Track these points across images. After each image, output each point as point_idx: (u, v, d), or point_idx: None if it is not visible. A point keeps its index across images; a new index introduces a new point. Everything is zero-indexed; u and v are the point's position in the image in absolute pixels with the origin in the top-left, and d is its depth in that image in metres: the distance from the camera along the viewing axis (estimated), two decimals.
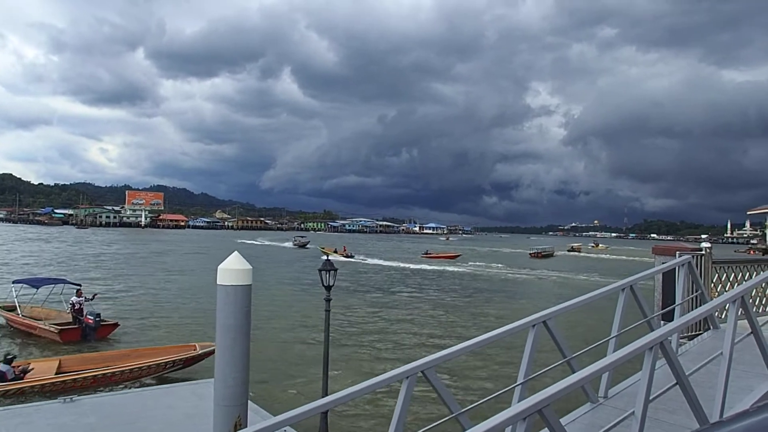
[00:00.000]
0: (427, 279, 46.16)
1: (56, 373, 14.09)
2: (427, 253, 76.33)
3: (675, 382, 4.37)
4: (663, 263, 8.11)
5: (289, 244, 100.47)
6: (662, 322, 7.37)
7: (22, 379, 13.58)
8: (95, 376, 13.91)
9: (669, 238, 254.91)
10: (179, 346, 16.30)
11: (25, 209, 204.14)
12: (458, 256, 74.58)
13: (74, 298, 20.15)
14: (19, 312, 20.57)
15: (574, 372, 4.83)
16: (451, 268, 57.33)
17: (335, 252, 66.41)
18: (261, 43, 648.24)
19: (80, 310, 19.76)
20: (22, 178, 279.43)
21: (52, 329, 18.91)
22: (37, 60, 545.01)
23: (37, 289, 21.39)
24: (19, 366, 14.02)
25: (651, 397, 4.15)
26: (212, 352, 15.35)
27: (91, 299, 20.74)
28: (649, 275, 7.43)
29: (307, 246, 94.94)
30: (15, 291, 21.35)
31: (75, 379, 13.70)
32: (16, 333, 20.17)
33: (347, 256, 64.65)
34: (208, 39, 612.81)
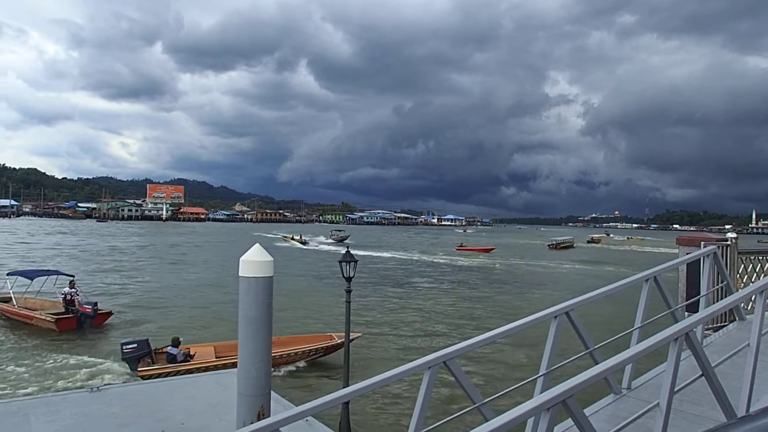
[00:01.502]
0: (445, 270, 46.11)
1: (215, 357, 14.93)
2: (461, 246, 76.60)
3: (700, 373, 4.31)
4: (687, 254, 7.98)
5: (322, 239, 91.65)
6: (686, 313, 7.27)
7: (189, 361, 14.43)
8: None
9: (692, 228, 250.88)
10: (317, 336, 17.25)
11: (49, 203, 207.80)
12: (492, 249, 74.42)
13: (66, 289, 20.76)
14: (15, 303, 21.15)
15: (597, 363, 4.79)
16: (465, 260, 57.20)
17: (292, 239, 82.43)
18: (277, 36, 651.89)
19: (72, 300, 20.39)
20: (47, 173, 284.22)
21: (48, 318, 19.50)
22: (58, 56, 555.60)
23: (32, 280, 21.96)
24: (182, 350, 14.95)
25: (676, 389, 4.11)
26: (351, 341, 16.20)
27: (74, 291, 20.88)
28: (673, 266, 7.32)
29: (346, 241, 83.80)
30: (10, 283, 21.96)
31: (234, 362, 14.18)
32: (14, 323, 20.67)
33: (303, 243, 78.31)
34: (224, 32, 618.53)
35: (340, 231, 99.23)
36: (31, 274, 22.59)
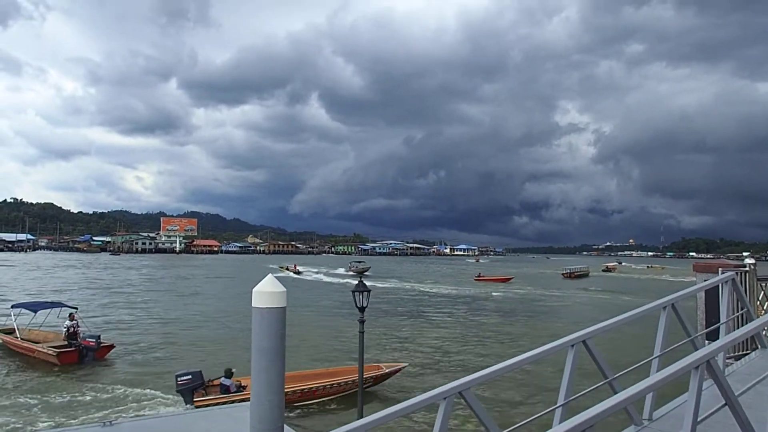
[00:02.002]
0: (459, 301, 45.72)
1: None
2: (479, 276, 75.73)
3: (724, 403, 4.19)
4: (705, 280, 7.86)
5: (341, 270, 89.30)
6: (707, 341, 7.13)
7: (242, 392, 14.36)
8: (303, 390, 14.86)
9: (709, 256, 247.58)
10: (365, 366, 17.00)
11: (65, 237, 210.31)
12: (511, 279, 73.74)
13: (68, 323, 20.73)
14: (18, 335, 21.16)
15: (616, 393, 4.68)
16: (470, 291, 56.74)
17: (287, 269, 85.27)
18: (288, 70, 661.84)
19: (74, 333, 20.37)
20: (63, 207, 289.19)
21: (50, 352, 19.37)
22: (76, 93, 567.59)
23: (35, 312, 22.14)
24: (234, 381, 14.95)
25: (699, 419, 3.99)
26: (396, 372, 16.44)
27: (75, 324, 20.83)
28: (691, 293, 7.20)
29: (367, 273, 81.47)
30: (14, 315, 22.05)
31: (286, 392, 14.27)
32: (16, 356, 20.62)
33: (297, 273, 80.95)
34: (237, 67, 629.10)
35: (359, 263, 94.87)
36: (34, 307, 22.79)
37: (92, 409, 14.49)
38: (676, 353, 5.54)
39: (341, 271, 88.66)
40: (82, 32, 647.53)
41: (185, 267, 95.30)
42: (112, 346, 20.64)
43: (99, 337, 20.25)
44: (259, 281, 6.46)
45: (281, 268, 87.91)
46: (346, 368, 17.22)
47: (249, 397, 13.77)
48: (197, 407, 13.81)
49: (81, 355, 19.62)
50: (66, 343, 20.20)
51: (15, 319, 21.95)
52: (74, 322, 20.76)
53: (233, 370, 15.14)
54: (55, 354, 19.20)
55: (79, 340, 20.17)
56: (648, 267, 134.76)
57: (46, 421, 13.57)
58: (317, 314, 33.79)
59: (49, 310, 22.69)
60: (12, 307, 23.22)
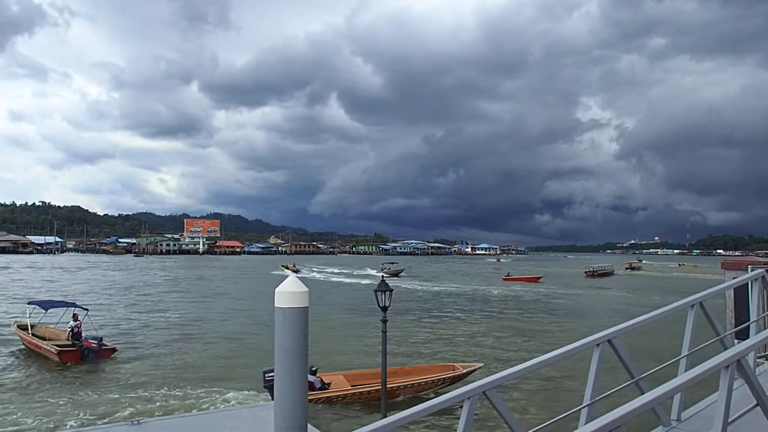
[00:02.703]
0: (483, 300, 45.49)
1: (351, 386, 15.28)
2: (507, 276, 74.47)
3: (755, 403, 4.11)
4: (734, 278, 7.70)
5: (372, 272, 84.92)
6: (736, 340, 6.99)
7: (327, 389, 14.85)
8: (393, 388, 14.84)
9: (737, 253, 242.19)
10: (440, 366, 17.49)
11: (91, 239, 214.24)
12: (540, 278, 72.41)
13: (72, 323, 21.30)
14: (29, 331, 21.90)
15: (643, 393, 4.62)
16: (499, 291, 56.39)
17: (287, 267, 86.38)
18: (308, 71, 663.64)
19: (78, 333, 20.86)
20: (89, 210, 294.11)
21: (52, 350, 19.96)
22: (100, 97, 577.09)
23: (46, 310, 22.93)
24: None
25: (729, 420, 3.92)
26: (472, 372, 16.45)
27: (78, 324, 21.33)
28: (719, 291, 7.05)
29: (401, 275, 79.80)
30: (29, 311, 22.95)
31: (369, 391, 14.91)
32: (28, 351, 21.45)
33: (296, 271, 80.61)
34: (257, 69, 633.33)
35: (392, 264, 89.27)
36: (46, 305, 23.55)
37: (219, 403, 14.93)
38: (705, 353, 5.44)
39: (372, 272, 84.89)
40: (106, 38, 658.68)
41: (205, 268, 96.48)
42: (114, 349, 21.06)
43: (101, 339, 20.66)
44: (282, 281, 6.52)
45: (282, 266, 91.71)
46: (432, 366, 17.67)
47: (333, 395, 14.22)
48: None
49: (83, 355, 20.09)
50: (69, 342, 20.77)
51: (29, 315, 22.89)
52: (78, 322, 21.34)
53: (315, 368, 15.39)
54: (56, 352, 19.79)
55: (81, 340, 20.68)
56: (680, 265, 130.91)
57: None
58: (337, 313, 33.92)
59: (64, 309, 23.29)
60: (27, 303, 24.20)
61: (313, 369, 15.26)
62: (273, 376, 14.26)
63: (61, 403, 15.05)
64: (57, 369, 19.09)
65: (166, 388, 16.33)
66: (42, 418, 13.68)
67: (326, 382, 15.28)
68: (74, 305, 23.66)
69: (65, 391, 16.41)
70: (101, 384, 17.22)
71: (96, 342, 20.34)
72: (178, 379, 17.61)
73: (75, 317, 21.63)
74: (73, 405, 14.86)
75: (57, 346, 20.26)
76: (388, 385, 15.11)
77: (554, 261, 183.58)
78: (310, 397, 14.00)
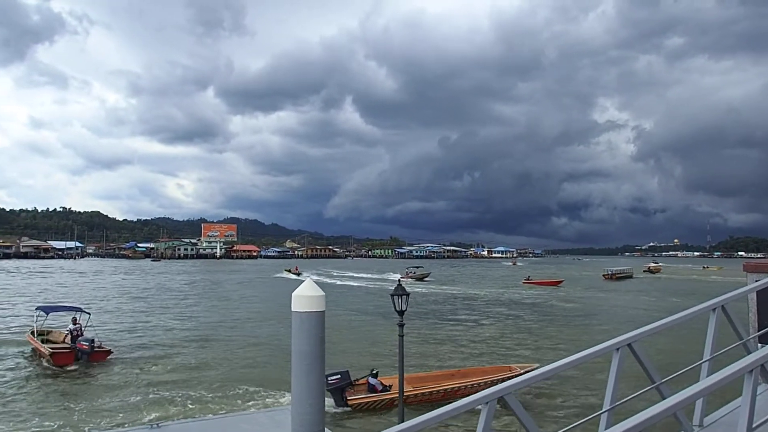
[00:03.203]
0: (496, 303, 45.22)
1: (411, 387, 15.40)
2: (527, 279, 73.15)
3: None
4: (756, 281, 7.55)
5: (396, 276, 74.54)
6: (759, 344, 6.85)
7: (388, 391, 15.03)
8: (446, 390, 15.47)
9: (759, 255, 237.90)
10: (496, 367, 17.76)
11: (111, 244, 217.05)
12: (561, 282, 70.77)
13: (70, 326, 21.79)
14: (35, 335, 22.49)
15: (664, 398, 4.54)
16: (519, 294, 56.00)
17: (289, 271, 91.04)
18: (322, 75, 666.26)
19: (77, 336, 21.22)
20: (108, 215, 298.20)
21: (47, 352, 20.34)
22: (118, 104, 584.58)
23: (47, 314, 23.76)
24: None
25: (753, 425, 3.84)
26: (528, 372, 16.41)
27: (77, 327, 21.98)
28: (742, 294, 6.91)
29: (427, 279, 78.19)
30: (35, 315, 23.77)
31: (431, 392, 15.32)
32: (36, 354, 21.92)
33: (297, 274, 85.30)
34: (272, 74, 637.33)
35: (417, 268, 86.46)
36: (49, 310, 24.36)
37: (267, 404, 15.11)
38: (727, 357, 5.34)
39: (396, 276, 76.40)
40: (123, 45, 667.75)
41: (217, 272, 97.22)
42: (109, 352, 21.35)
43: (93, 341, 20.88)
44: (298, 286, 6.55)
45: (286, 270, 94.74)
46: (489, 367, 17.86)
47: (395, 397, 14.21)
48: (352, 406, 14.61)
49: (77, 358, 20.38)
50: (65, 345, 21.17)
51: (35, 320, 23.64)
52: (77, 325, 21.80)
53: (376, 371, 15.66)
54: (49, 354, 20.21)
55: (82, 340, 20.98)
56: (704, 268, 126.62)
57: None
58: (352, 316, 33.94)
59: (63, 313, 24.37)
60: (36, 308, 24.85)
61: (374, 372, 15.50)
62: (336, 380, 14.70)
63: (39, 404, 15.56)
64: (52, 371, 19.49)
65: (154, 389, 16.88)
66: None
67: (386, 384, 15.42)
68: (78, 309, 24.38)
69: (49, 390, 16.99)
70: (84, 387, 17.66)
71: (87, 344, 20.58)
72: (162, 382, 18.00)
73: (74, 320, 22.17)
74: (59, 405, 15.35)
75: (52, 348, 20.68)
76: (446, 387, 15.60)
77: (570, 264, 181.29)
78: (372, 399, 14.69)
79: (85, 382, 18.28)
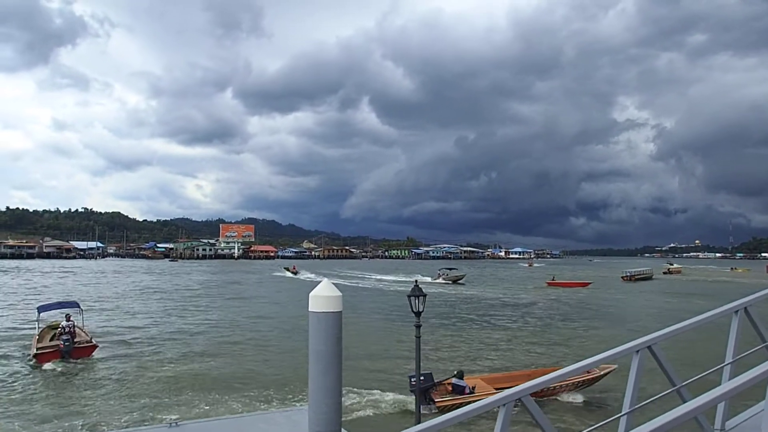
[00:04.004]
0: (516, 306, 44.98)
1: (494, 389, 15.26)
2: (552, 281, 70.99)
3: None
4: None
5: (427, 279, 75.38)
6: None
7: (473, 393, 14.99)
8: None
9: None
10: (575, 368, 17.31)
11: (131, 244, 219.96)
12: (589, 283, 67.75)
13: (64, 323, 21.97)
14: (37, 334, 23.13)
15: (685, 401, 4.48)
16: (536, 296, 55.64)
17: (287, 269, 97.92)
18: (339, 76, 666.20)
19: (71, 332, 21.45)
20: (129, 216, 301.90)
21: (33, 350, 20.83)
22: (138, 106, 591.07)
23: (39, 312, 24.41)
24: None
25: None
26: (608, 374, 16.21)
27: (71, 324, 22.17)
28: (765, 296, 6.78)
29: (461, 282, 73.14)
30: (36, 314, 24.47)
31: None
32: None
33: (294, 273, 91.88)
34: (290, 75, 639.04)
35: (450, 269, 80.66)
36: (44, 308, 25.08)
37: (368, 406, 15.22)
38: (750, 360, 5.25)
39: (427, 279, 76.10)
40: (144, 47, 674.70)
41: (231, 273, 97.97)
42: (94, 347, 21.72)
43: (69, 339, 21.07)
44: (315, 286, 6.58)
45: (284, 269, 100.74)
46: (558, 368, 17.51)
47: (477, 400, 13.98)
48: (439, 407, 14.45)
49: (62, 354, 20.68)
50: (51, 343, 21.53)
51: (36, 318, 24.35)
52: (70, 322, 22.03)
53: (461, 372, 15.63)
54: (34, 353, 20.66)
55: (73, 339, 21.36)
56: (732, 269, 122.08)
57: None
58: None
59: (61, 310, 25.09)
60: (37, 308, 25.51)
61: (459, 373, 15.44)
62: (420, 381, 14.72)
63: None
64: (39, 369, 19.87)
65: (128, 387, 17.31)
66: None
67: (473, 386, 15.42)
68: (74, 305, 25.37)
69: (30, 389, 17.35)
70: (63, 384, 18.09)
71: (63, 342, 20.86)
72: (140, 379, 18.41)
73: (67, 317, 22.46)
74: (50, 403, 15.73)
75: (39, 346, 21.16)
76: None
77: (585, 265, 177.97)
78: (460, 401, 14.39)
79: (66, 380, 18.72)
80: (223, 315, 35.75)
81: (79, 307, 25.52)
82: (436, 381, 15.27)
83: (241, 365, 20.66)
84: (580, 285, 67.00)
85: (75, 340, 21.42)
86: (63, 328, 21.73)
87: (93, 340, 22.14)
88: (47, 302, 29.50)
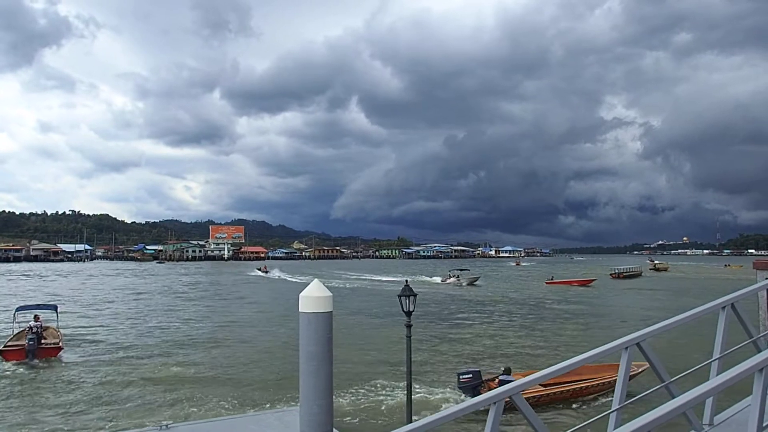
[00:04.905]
0: (501, 303, 45.13)
1: (540, 386, 15.21)
2: (550, 280, 69.05)
3: None
4: (766, 278, 7.50)
5: (437, 279, 73.52)
6: None
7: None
8: (574, 389, 15.34)
9: None
10: (609, 365, 16.91)
11: (120, 247, 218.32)
12: (593, 281, 66.76)
13: (32, 323, 22.18)
14: (12, 334, 23.24)
15: (674, 397, 4.52)
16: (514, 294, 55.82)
17: (258, 270, 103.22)
18: (328, 76, 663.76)
19: (38, 333, 21.69)
20: (117, 218, 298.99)
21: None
22: (125, 107, 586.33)
23: (16, 314, 24.88)
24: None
25: (764, 424, 3.82)
26: (642, 372, 15.75)
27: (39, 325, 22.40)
28: (751, 292, 6.86)
29: (477, 283, 67.65)
30: (13, 316, 24.92)
31: (562, 391, 15.16)
32: None
33: (265, 272, 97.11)
34: (277, 75, 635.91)
35: (462, 270, 74.27)
36: (22, 310, 25.59)
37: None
38: (737, 355, 5.31)
39: (437, 279, 73.62)
40: (130, 48, 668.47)
41: (214, 275, 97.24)
42: (59, 348, 21.98)
43: (33, 340, 21.24)
44: (307, 286, 6.56)
45: (257, 269, 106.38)
46: (601, 365, 16.90)
47: (530, 396, 13.91)
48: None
49: (26, 354, 20.93)
50: (18, 343, 21.80)
51: (14, 319, 24.59)
52: (39, 323, 22.21)
53: (508, 368, 15.48)
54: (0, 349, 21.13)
55: (39, 339, 21.55)
56: (726, 266, 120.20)
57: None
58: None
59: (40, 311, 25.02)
60: (15, 310, 25.87)
61: (507, 369, 15.32)
62: (468, 378, 14.71)
63: None
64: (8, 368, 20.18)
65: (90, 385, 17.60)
66: None
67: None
68: (51, 307, 25.89)
69: None
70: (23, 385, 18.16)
71: (28, 342, 21.10)
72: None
73: (36, 318, 22.62)
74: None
75: (6, 345, 21.59)
76: (574, 386, 15.20)
77: (567, 263, 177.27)
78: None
79: (28, 380, 18.90)
80: (195, 314, 37.01)
81: (56, 309, 25.94)
82: (484, 379, 15.44)
83: (210, 364, 21.10)
84: (582, 283, 65.47)
85: (42, 340, 21.69)
86: (30, 328, 21.94)
87: (61, 343, 22.40)
88: (25, 304, 30.06)
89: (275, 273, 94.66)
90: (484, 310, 39.90)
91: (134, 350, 23.66)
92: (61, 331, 24.47)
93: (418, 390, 16.13)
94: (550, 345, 25.18)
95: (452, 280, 70.10)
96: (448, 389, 16.40)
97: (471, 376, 15.18)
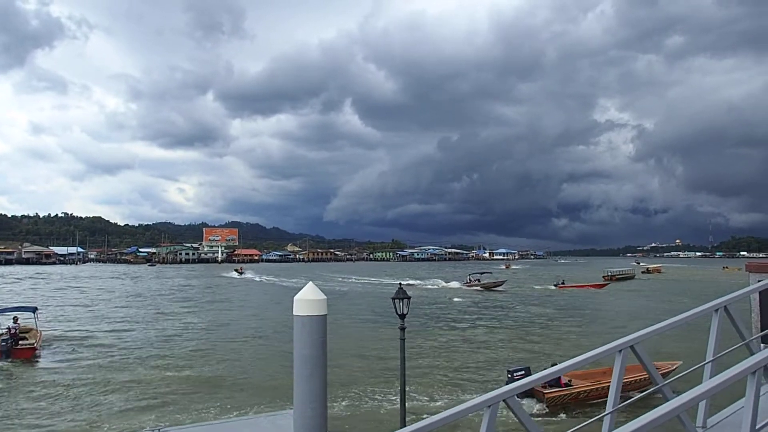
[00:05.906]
0: (494, 306, 45.20)
1: (589, 382, 15.50)
2: (562, 284, 63.65)
3: None
4: (759, 281, 7.53)
5: (455, 284, 68.23)
6: (762, 345, 6.83)
7: (572, 386, 15.26)
8: (597, 389, 15.21)
9: (761, 255, 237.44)
10: (634, 366, 17.16)
11: (112, 249, 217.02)
12: (606, 285, 64.88)
13: (10, 324, 22.78)
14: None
15: (667, 400, 4.53)
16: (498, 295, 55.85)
17: (236, 271, 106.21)
18: (321, 78, 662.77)
19: (14, 335, 22.21)
20: (110, 221, 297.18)
21: None
22: (118, 109, 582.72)
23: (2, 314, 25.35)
24: None
25: (757, 426, 3.83)
26: (673, 370, 16.10)
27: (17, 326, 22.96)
28: (744, 294, 6.89)
29: (499, 288, 62.11)
30: None
31: (597, 388, 15.16)
32: None
33: (240, 273, 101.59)
34: (271, 77, 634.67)
35: (483, 273, 69.77)
36: (5, 311, 25.94)
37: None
38: (730, 358, 5.33)
39: (455, 284, 68.92)
40: (123, 49, 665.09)
41: (205, 277, 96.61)
42: (34, 349, 22.23)
43: (6, 341, 21.65)
44: (301, 288, 6.53)
45: (234, 270, 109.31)
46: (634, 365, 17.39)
47: (580, 391, 14.62)
48: (547, 399, 14.75)
49: (0, 354, 21.29)
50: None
51: None
52: (16, 325, 22.75)
53: (555, 364, 15.40)
54: None
55: (13, 340, 21.89)
56: (724, 268, 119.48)
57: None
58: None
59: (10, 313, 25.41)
60: None
61: (554, 365, 15.24)
62: (521, 375, 14.67)
63: None
64: None
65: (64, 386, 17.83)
66: None
67: (569, 380, 15.56)
68: (30, 309, 26.29)
69: None
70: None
71: (6, 342, 21.44)
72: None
73: (15, 319, 23.09)
74: None
75: None
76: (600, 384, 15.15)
77: (554, 266, 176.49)
78: (563, 393, 14.78)
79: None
80: (174, 309, 39.55)
81: (35, 311, 26.23)
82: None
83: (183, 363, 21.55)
84: (596, 287, 62.80)
85: (20, 341, 21.95)
86: (8, 329, 22.19)
87: (36, 344, 22.62)
88: (4, 306, 30.47)
89: (248, 274, 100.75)
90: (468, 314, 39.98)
91: (112, 351, 23.90)
92: (41, 332, 24.70)
93: (416, 396, 16.18)
94: (543, 349, 25.24)
95: (472, 286, 64.26)
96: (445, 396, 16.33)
97: (523, 372, 15.05)
